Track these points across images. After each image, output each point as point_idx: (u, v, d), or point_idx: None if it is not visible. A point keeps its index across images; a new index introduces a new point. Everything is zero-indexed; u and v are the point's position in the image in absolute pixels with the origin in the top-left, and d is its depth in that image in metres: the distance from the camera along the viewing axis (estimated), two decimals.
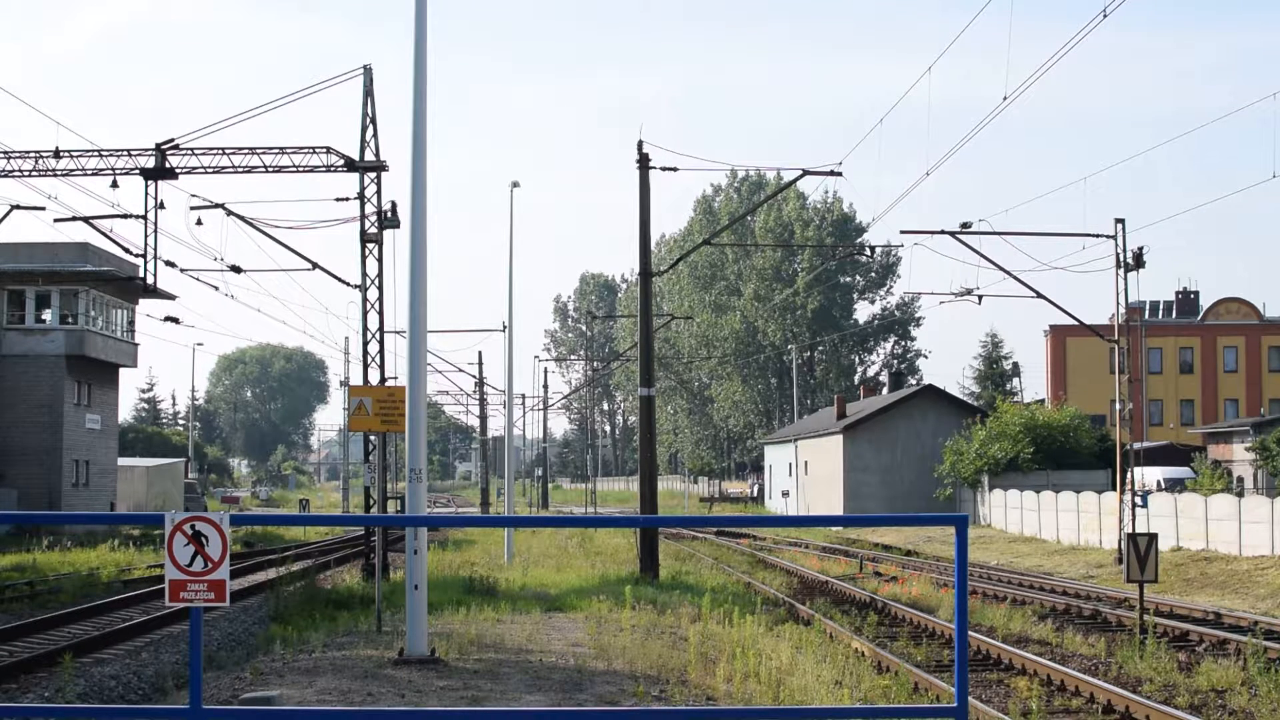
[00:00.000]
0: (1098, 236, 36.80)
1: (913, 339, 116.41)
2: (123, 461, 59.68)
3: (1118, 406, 39.52)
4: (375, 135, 30.11)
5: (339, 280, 32.23)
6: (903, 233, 41.24)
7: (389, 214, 29.78)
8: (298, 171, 30.01)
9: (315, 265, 32.22)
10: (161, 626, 21.24)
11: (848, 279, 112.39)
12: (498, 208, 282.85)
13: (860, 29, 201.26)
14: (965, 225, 35.65)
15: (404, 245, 19.21)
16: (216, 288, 33.53)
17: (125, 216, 30.32)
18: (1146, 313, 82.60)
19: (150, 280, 30.60)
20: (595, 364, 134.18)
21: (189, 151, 29.85)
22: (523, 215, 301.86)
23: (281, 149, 29.98)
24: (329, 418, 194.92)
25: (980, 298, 38.76)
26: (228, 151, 29.89)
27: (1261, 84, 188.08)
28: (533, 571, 29.54)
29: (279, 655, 16.19)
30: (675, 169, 30.97)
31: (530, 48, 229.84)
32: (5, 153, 30.59)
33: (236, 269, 32.17)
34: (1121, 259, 36.28)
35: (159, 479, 64.60)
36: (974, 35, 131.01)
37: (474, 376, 77.20)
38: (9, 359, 49.15)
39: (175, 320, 41.83)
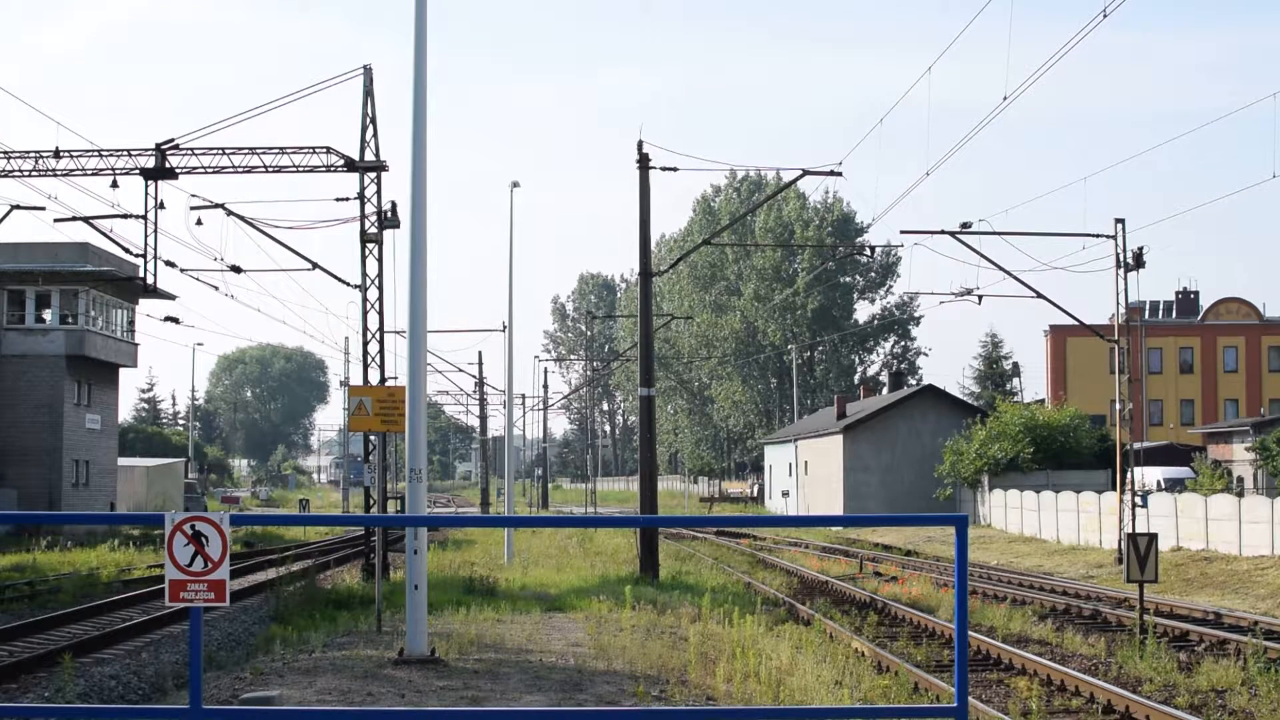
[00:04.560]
0: (1098, 236, 36.82)
1: (913, 339, 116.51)
2: (123, 461, 59.67)
3: (1118, 406, 39.52)
4: (375, 135, 30.12)
5: (339, 280, 32.24)
6: (903, 233, 41.27)
7: (389, 214, 29.77)
8: (298, 171, 30.01)
9: (315, 265, 32.22)
10: (161, 626, 21.23)
11: (848, 279, 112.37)
12: (498, 208, 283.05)
13: (860, 29, 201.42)
14: (965, 225, 35.65)
15: (404, 245, 19.22)
16: (216, 288, 33.52)
17: (125, 216, 30.31)
18: (1146, 313, 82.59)
19: (150, 280, 30.60)
20: (595, 364, 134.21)
21: (189, 151, 29.85)
22: (523, 215, 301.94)
23: (281, 149, 29.97)
24: (329, 418, 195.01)
25: (980, 298, 38.78)
26: (228, 151, 29.88)
27: (1261, 84, 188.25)
28: (533, 571, 29.55)
29: (279, 655, 16.19)
30: (675, 169, 31.01)
31: (530, 48, 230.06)
32: (5, 153, 30.58)
33: (236, 269, 32.16)
34: (1121, 259, 36.27)
35: (159, 479, 64.58)
36: (974, 35, 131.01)
37: (474, 376, 77.29)
38: (9, 359, 49.15)
39: (175, 320, 41.85)
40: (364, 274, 30.27)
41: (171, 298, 43.51)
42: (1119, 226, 36.43)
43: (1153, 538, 20.66)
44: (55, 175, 30.50)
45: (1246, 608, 25.49)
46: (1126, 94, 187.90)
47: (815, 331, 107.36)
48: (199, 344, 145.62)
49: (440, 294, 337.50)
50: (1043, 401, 71.90)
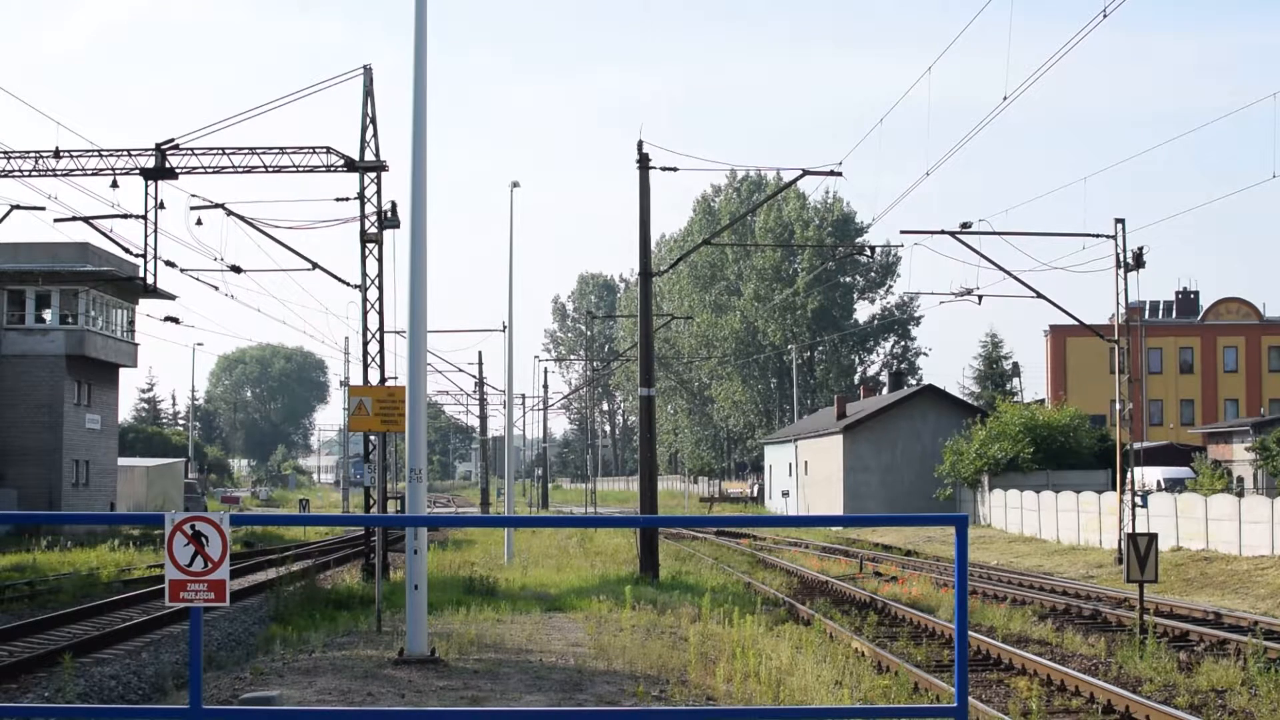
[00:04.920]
0: (1098, 236, 36.82)
1: (913, 339, 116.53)
2: (123, 461, 59.67)
3: (1118, 406, 39.52)
4: (375, 135, 30.11)
5: (339, 280, 32.24)
6: (903, 233, 41.27)
7: (389, 214, 29.76)
8: (298, 171, 30.00)
9: (315, 265, 32.21)
10: (161, 626, 21.23)
11: (848, 279, 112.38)
12: (498, 208, 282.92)
13: (860, 29, 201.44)
14: (965, 225, 35.65)
15: (404, 245, 19.22)
16: (216, 288, 33.52)
17: (125, 216, 30.30)
18: (1146, 313, 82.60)
19: (150, 280, 30.58)
20: (595, 364, 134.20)
21: (189, 151, 29.84)
22: (523, 215, 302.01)
23: (281, 149, 29.97)
24: (329, 418, 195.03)
25: (980, 298, 38.75)
26: (228, 151, 29.88)
27: (1261, 84, 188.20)
28: (533, 571, 29.55)
29: (279, 655, 16.19)
30: (675, 169, 30.99)
31: (530, 48, 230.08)
32: (5, 153, 30.58)
33: (236, 269, 32.16)
34: (1121, 259, 36.28)
35: (159, 479, 64.57)
36: (974, 35, 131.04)
37: (474, 376, 77.28)
38: (9, 359, 49.16)
39: (175, 320, 41.82)
40: (364, 274, 30.27)
41: (171, 298, 43.51)
42: (1119, 226, 36.44)
43: (1153, 538, 20.66)
44: (55, 175, 30.50)
45: (1246, 608, 25.49)
46: (1126, 94, 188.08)
47: (815, 331, 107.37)
48: (199, 344, 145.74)
49: (440, 294, 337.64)
50: (1043, 401, 71.88)
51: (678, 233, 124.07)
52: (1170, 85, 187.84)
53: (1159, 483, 51.05)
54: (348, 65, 64.55)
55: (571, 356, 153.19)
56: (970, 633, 15.18)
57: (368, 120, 29.96)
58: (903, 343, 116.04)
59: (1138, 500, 36.67)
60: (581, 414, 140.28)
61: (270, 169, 29.86)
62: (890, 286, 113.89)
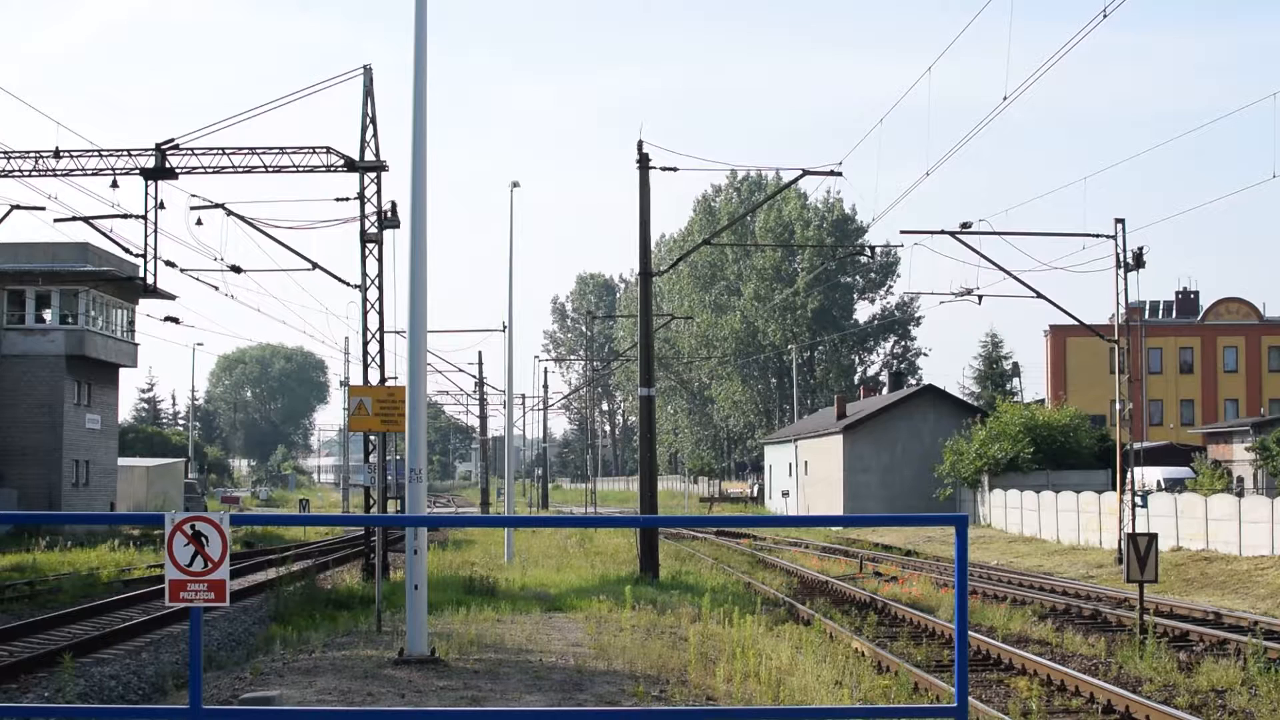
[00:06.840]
0: (1098, 236, 36.84)
1: (912, 339, 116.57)
2: (123, 461, 59.65)
3: (1118, 406, 39.52)
4: (375, 135, 30.11)
5: (339, 280, 32.23)
6: (903, 233, 41.28)
7: (389, 214, 29.76)
8: (298, 171, 29.99)
9: (315, 265, 32.21)
10: (161, 626, 21.23)
11: (848, 279, 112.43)
12: (498, 208, 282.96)
13: (860, 29, 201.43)
14: (965, 225, 35.66)
15: (404, 245, 19.22)
16: (216, 288, 33.49)
17: (125, 216, 30.31)
18: (1146, 313, 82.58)
19: (150, 280, 30.58)
20: (595, 364, 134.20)
21: (189, 151, 29.84)
22: (522, 215, 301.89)
23: (281, 149, 29.96)
24: (329, 418, 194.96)
25: (980, 298, 38.78)
26: (228, 151, 29.88)
27: (1261, 84, 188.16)
28: (533, 571, 29.54)
29: (279, 655, 16.19)
30: (675, 169, 31.00)
31: (530, 48, 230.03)
32: (5, 153, 30.57)
33: (236, 269, 32.15)
34: (1121, 259, 36.29)
35: (159, 479, 64.56)
36: (974, 35, 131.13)
37: (474, 376, 77.29)
38: (9, 359, 49.14)
39: (175, 320, 41.82)
40: (364, 274, 30.26)
41: (171, 298, 43.49)
42: (1119, 226, 36.45)
43: (1153, 538, 20.66)
44: (55, 175, 30.49)
45: (1246, 608, 25.50)
46: (1126, 94, 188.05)
47: (815, 331, 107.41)
48: (199, 344, 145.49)
49: (440, 294, 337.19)
50: (1043, 401, 71.90)
51: (678, 233, 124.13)
52: (1170, 85, 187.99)
53: (1159, 483, 51.05)
54: (348, 65, 64.59)
55: (571, 357, 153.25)
56: (970, 633, 15.18)
57: (368, 120, 29.95)
58: (903, 343, 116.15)
59: (1138, 500, 36.67)
60: (581, 414, 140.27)
61: (270, 169, 29.86)
62: (890, 286, 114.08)
